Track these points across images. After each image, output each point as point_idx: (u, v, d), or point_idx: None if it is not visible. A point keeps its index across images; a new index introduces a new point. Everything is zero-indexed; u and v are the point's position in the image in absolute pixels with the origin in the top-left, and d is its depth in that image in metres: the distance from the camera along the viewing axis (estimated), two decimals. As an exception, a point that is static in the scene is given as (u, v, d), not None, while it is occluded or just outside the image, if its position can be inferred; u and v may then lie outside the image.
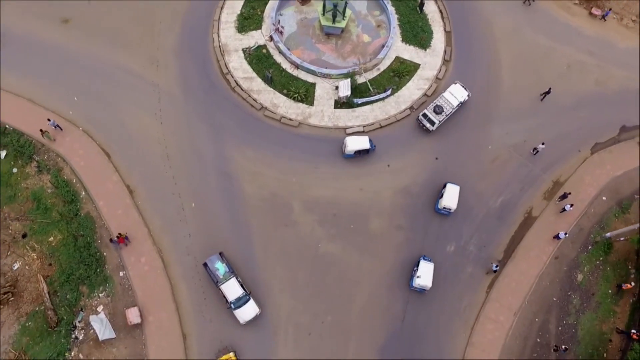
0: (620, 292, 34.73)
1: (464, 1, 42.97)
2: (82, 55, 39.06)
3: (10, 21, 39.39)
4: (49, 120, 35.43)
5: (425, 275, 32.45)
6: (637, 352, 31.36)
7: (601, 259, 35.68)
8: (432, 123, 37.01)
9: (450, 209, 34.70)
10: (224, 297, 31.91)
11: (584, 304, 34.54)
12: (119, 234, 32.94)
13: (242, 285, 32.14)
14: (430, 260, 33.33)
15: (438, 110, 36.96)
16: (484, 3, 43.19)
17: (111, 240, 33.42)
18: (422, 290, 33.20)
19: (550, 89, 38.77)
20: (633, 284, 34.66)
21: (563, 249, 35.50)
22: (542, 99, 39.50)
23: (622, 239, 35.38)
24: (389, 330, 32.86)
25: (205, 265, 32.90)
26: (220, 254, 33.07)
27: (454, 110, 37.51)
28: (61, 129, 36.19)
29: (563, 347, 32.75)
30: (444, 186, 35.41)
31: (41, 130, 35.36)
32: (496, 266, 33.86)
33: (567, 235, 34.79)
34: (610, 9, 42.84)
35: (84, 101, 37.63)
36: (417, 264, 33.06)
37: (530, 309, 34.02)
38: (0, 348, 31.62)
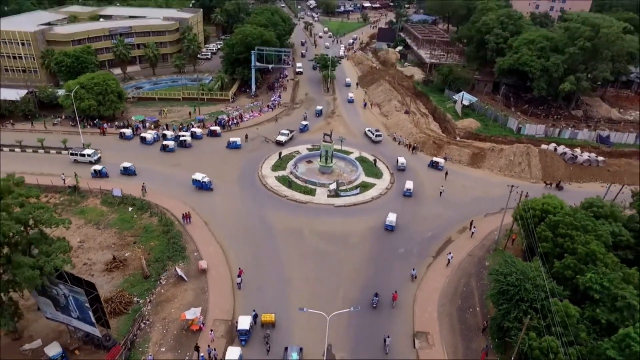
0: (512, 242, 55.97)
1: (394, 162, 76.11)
2: (183, 178, 68.44)
3: (144, 165, 70.54)
4: (143, 184, 63.73)
5: (391, 216, 56.77)
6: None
7: (499, 257, 55.47)
8: (380, 136, 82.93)
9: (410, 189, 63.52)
10: None
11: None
12: (188, 212, 57.85)
13: None
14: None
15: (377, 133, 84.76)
16: (408, 161, 76.29)
17: (183, 216, 57.37)
18: (391, 227, 56.39)
19: (443, 187, 68.30)
20: (516, 234, 55.11)
21: (473, 251, 56.02)
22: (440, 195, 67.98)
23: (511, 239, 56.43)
24: (365, 282, 50.24)
25: (285, 348, 40.46)
26: (300, 348, 40.60)
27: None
28: (146, 191, 63.53)
29: (485, 322, 48.44)
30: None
31: (142, 188, 63.19)
32: (414, 270, 52.12)
33: (452, 256, 54.03)
34: (446, 154, 77.33)
35: (181, 193, 64.85)
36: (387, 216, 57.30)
37: (456, 275, 52.16)
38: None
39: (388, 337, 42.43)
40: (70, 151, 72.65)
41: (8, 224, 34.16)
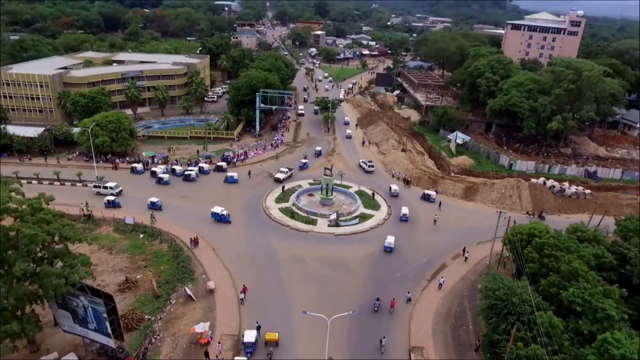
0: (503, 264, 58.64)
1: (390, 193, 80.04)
2: (191, 209, 72.31)
3: (164, 200, 74.42)
4: (152, 213, 67.88)
5: (390, 239, 60.02)
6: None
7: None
8: (372, 166, 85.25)
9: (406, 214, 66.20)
10: None
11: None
12: (195, 236, 61.13)
13: None
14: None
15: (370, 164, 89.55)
16: (403, 193, 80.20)
17: (190, 240, 60.46)
18: (390, 249, 59.90)
19: (437, 216, 71.41)
20: (507, 258, 57.90)
21: (466, 275, 58.95)
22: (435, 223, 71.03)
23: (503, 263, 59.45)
24: (363, 303, 52.98)
25: None
26: None
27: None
28: (155, 220, 66.85)
29: (477, 340, 51.35)
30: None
31: (151, 216, 66.78)
32: (409, 293, 55.10)
33: (444, 280, 57.20)
34: (437, 188, 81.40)
35: (189, 221, 68.46)
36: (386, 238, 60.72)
37: (450, 297, 54.92)
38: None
39: (384, 337, 45.69)
40: (94, 184, 77.27)
41: (42, 236, 37.76)
